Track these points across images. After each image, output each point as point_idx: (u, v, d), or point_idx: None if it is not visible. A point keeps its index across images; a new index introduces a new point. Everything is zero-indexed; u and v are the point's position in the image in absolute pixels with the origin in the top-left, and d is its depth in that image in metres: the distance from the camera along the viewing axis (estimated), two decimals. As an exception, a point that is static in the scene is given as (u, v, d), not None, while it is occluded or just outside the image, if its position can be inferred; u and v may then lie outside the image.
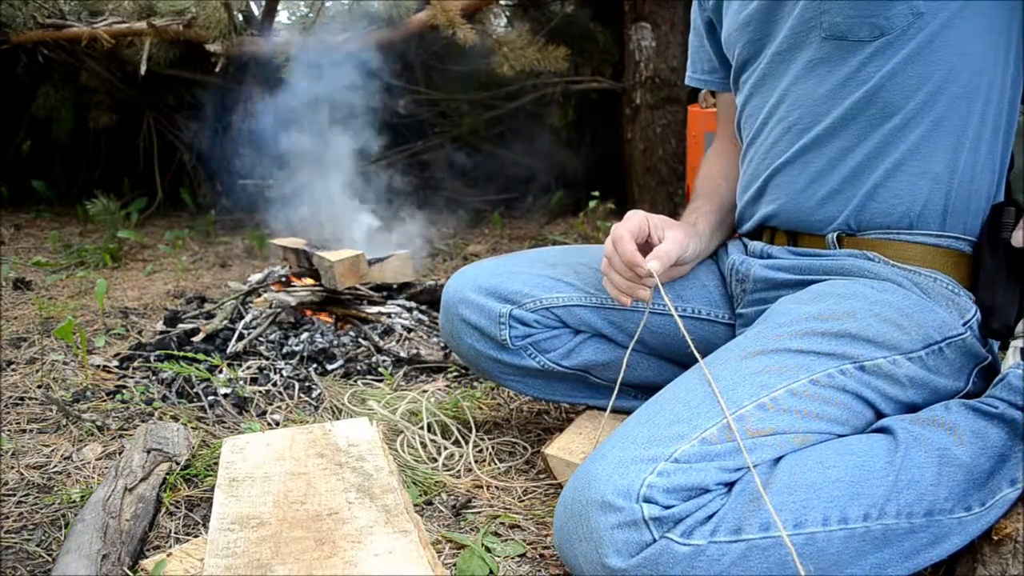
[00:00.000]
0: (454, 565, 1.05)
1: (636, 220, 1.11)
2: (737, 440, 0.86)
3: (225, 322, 2.00)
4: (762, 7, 1.12)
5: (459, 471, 1.33)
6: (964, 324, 1.01)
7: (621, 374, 1.20)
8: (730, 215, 1.29)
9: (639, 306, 1.22)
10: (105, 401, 1.60)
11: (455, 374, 1.79)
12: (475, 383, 1.73)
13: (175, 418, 1.51)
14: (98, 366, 1.79)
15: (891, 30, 0.99)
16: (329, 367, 1.80)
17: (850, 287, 1.03)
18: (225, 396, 1.63)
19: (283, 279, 2.19)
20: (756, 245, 1.19)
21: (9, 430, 1.46)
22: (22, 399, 1.61)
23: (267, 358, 1.84)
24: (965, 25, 0.99)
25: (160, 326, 2.09)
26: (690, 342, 1.00)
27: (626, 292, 1.12)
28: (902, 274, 1.04)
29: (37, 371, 1.75)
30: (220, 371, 1.73)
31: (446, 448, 1.39)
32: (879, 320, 0.96)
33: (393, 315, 2.09)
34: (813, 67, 1.06)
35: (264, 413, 1.58)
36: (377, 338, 1.95)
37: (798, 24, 1.07)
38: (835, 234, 1.09)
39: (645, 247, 1.11)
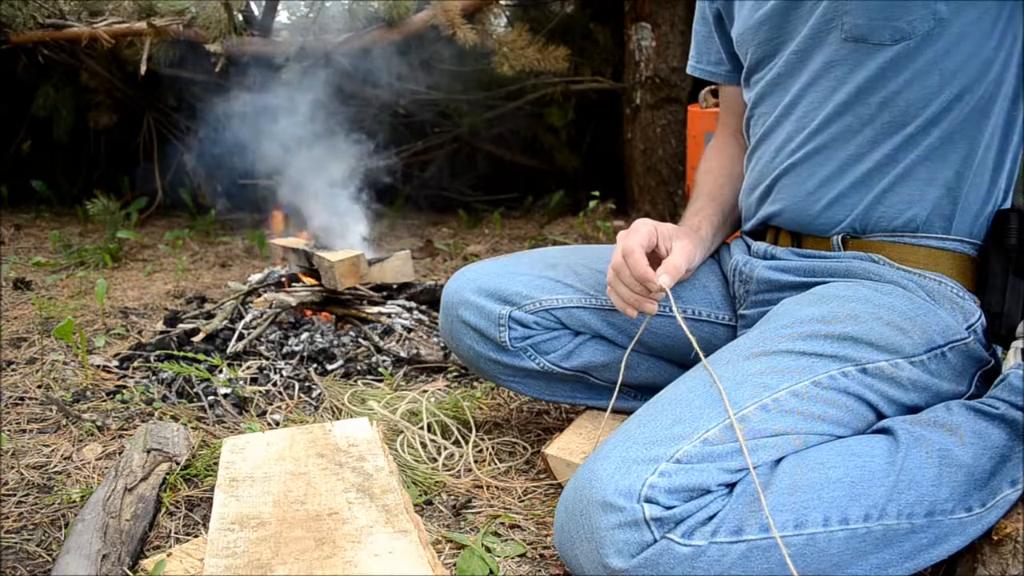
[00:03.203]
0: (454, 565, 1.05)
1: (645, 232, 1.09)
2: (740, 440, 0.86)
3: (225, 322, 2.00)
4: (779, 7, 1.10)
5: (459, 471, 1.33)
6: (968, 328, 1.01)
7: (620, 376, 1.20)
8: (732, 215, 1.28)
9: (642, 313, 1.22)
10: (105, 401, 1.60)
11: (455, 374, 1.79)
12: (475, 383, 1.73)
13: (175, 418, 1.51)
14: (98, 366, 1.79)
15: (912, 34, 0.98)
16: (329, 367, 1.80)
17: (853, 290, 1.02)
18: (225, 396, 1.63)
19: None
20: (760, 246, 1.18)
21: (9, 430, 1.46)
22: (22, 399, 1.61)
23: (267, 358, 1.84)
24: (984, 34, 0.98)
25: (160, 326, 2.09)
26: (696, 347, 1.00)
27: (633, 305, 1.12)
28: (907, 277, 1.04)
29: (37, 371, 1.75)
30: (220, 371, 1.73)
31: (446, 448, 1.38)
32: (882, 323, 0.96)
33: (393, 315, 2.09)
34: (829, 68, 1.05)
35: (264, 413, 1.58)
36: (377, 338, 1.95)
37: (818, 24, 1.05)
38: (840, 236, 1.09)
39: (651, 257, 1.11)
